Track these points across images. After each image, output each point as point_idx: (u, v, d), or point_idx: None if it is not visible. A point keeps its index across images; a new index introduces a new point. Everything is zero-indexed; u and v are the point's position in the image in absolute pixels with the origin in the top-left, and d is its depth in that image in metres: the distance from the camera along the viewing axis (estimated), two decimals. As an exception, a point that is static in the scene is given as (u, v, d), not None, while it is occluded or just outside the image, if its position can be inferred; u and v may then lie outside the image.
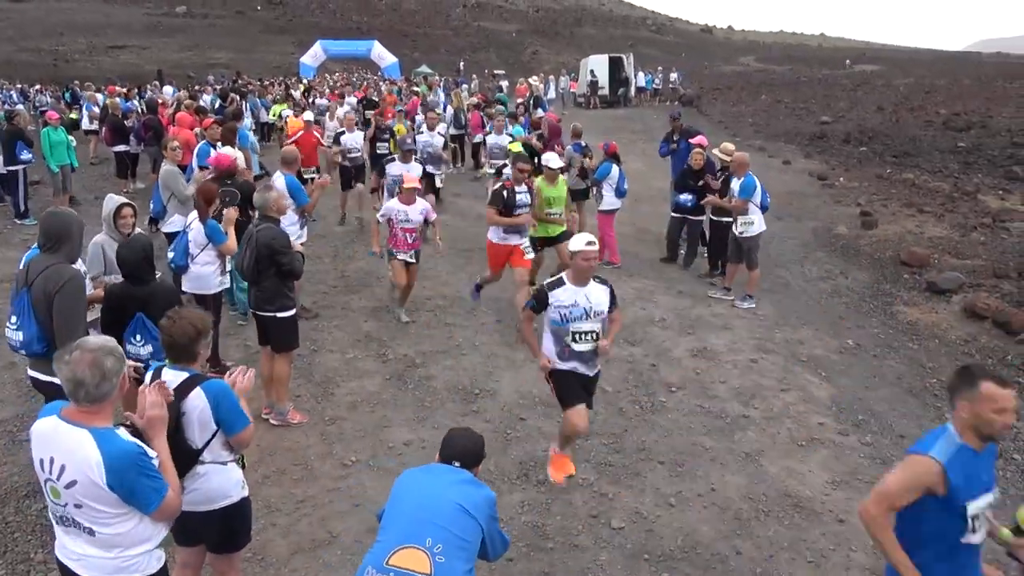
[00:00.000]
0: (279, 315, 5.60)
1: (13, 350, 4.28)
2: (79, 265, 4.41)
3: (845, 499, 5.09)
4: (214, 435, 3.22)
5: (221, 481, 3.28)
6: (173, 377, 3.20)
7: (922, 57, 70.44)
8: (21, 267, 4.24)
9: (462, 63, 54.08)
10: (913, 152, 19.69)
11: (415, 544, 2.77)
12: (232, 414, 3.22)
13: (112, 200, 5.39)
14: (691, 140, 10.49)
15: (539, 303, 4.73)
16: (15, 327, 4.14)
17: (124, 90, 23.85)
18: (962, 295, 8.93)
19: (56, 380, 2.78)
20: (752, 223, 8.53)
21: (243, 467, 3.52)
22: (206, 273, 6.28)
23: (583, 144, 10.83)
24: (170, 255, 6.33)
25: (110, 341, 2.70)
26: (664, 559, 4.48)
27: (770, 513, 4.92)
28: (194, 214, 6.40)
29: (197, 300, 6.20)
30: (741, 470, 5.39)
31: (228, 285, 6.63)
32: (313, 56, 43.03)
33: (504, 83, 33.42)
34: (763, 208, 8.66)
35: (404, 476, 3.13)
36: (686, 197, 9.76)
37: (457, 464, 3.08)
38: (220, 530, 3.38)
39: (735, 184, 8.60)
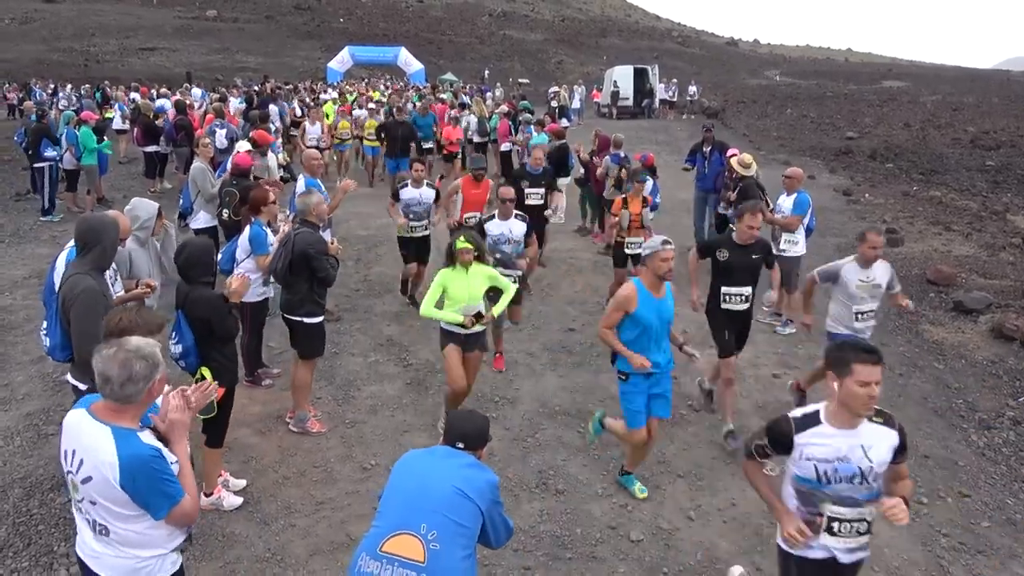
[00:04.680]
0: (307, 320, 5.61)
1: (47, 354, 4.36)
2: (110, 271, 4.40)
3: (868, 519, 5.01)
4: None
5: None
6: None
7: (950, 74, 69.78)
8: (60, 269, 4.30)
9: (487, 71, 54.31)
10: (940, 170, 19.48)
11: (409, 530, 2.74)
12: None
13: (146, 205, 5.33)
14: (728, 154, 10.40)
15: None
16: (45, 332, 4.24)
17: (167, 90, 24.25)
18: (990, 315, 8.80)
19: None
20: (797, 243, 8.22)
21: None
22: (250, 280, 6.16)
23: (622, 155, 10.84)
24: (217, 257, 6.09)
25: (149, 346, 2.65)
26: (683, 573, 4.45)
27: (791, 530, 4.86)
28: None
29: (238, 306, 6.17)
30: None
31: (270, 294, 6.37)
32: (340, 61, 43.57)
33: (554, 89, 30.69)
34: (808, 230, 8.35)
35: (404, 458, 3.08)
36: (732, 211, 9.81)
37: (461, 446, 3.02)
38: None
39: (785, 199, 8.32)
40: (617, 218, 8.26)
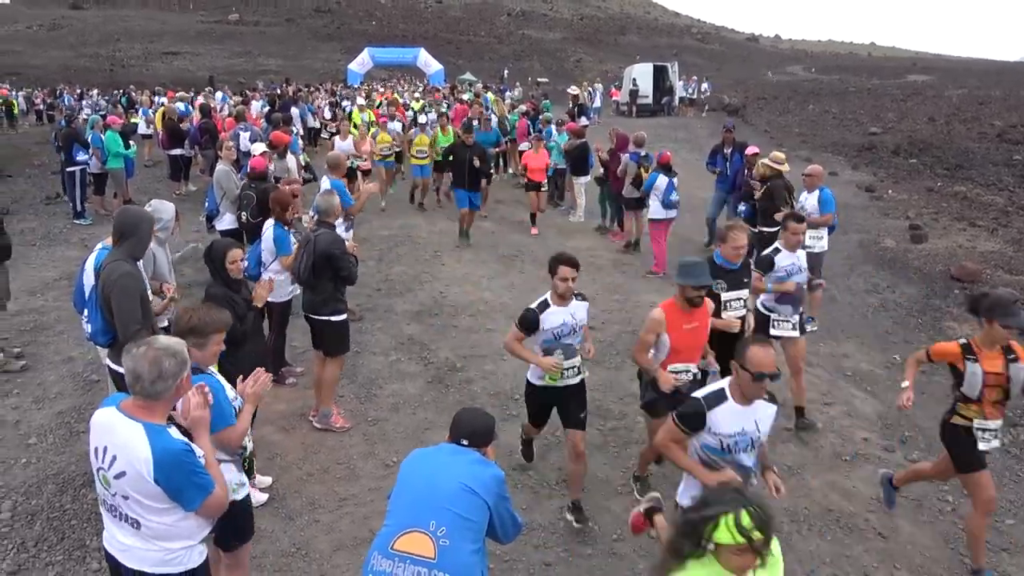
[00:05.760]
0: (333, 319, 5.72)
1: (89, 339, 4.58)
2: (143, 263, 4.58)
3: (889, 516, 5.01)
4: None
5: None
6: None
7: (975, 67, 68.62)
8: (89, 271, 4.48)
9: (506, 71, 54.39)
10: (966, 165, 19.22)
11: (419, 528, 2.79)
12: (212, 412, 3.19)
13: (167, 206, 5.41)
14: (747, 152, 10.39)
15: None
16: (86, 319, 4.44)
17: (189, 95, 24.52)
18: (1016, 312, 8.69)
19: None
20: (822, 238, 8.17)
21: (248, 470, 3.57)
22: (277, 281, 6.14)
23: (641, 153, 10.86)
24: (243, 264, 5.91)
25: (178, 344, 2.76)
26: (703, 570, 4.46)
27: (812, 527, 4.86)
28: (268, 223, 6.38)
29: (267, 308, 6.27)
30: (782, 482, 5.33)
31: (297, 292, 6.40)
32: (360, 63, 43.89)
33: (573, 90, 28.82)
34: (830, 228, 8.31)
35: (411, 457, 3.13)
36: (744, 207, 9.89)
37: (466, 443, 3.07)
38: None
39: (807, 197, 8.25)
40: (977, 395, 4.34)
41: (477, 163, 11.00)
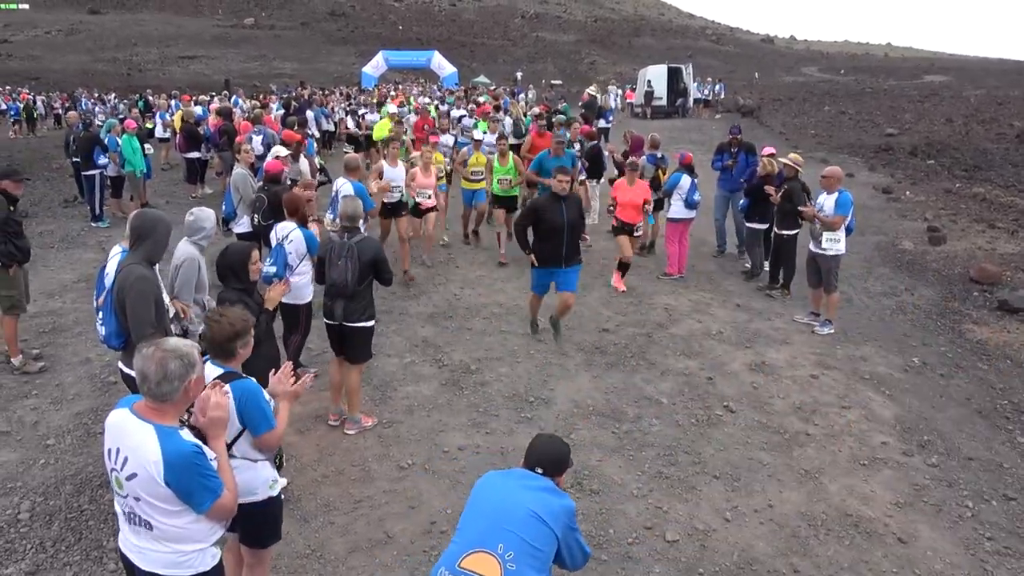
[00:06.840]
0: (368, 325, 5.73)
1: (102, 342, 4.60)
2: (159, 266, 4.60)
3: (909, 521, 4.95)
4: (240, 433, 3.25)
5: (248, 478, 3.30)
6: (211, 372, 3.26)
7: (994, 67, 67.94)
8: (114, 265, 4.50)
9: (519, 73, 54.46)
10: (984, 166, 19.02)
11: (487, 549, 2.81)
12: (255, 416, 3.24)
13: (208, 214, 5.32)
14: (763, 152, 10.35)
15: None
16: (101, 322, 4.45)
17: (207, 98, 24.70)
18: (1036, 315, 8.59)
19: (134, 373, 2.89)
20: (839, 241, 8.10)
21: (279, 466, 3.59)
22: (302, 283, 6.26)
23: (658, 155, 10.83)
24: (271, 269, 6.01)
25: (186, 346, 2.74)
26: (719, 574, 4.43)
27: (830, 532, 4.81)
28: (288, 225, 6.36)
29: (287, 310, 6.30)
30: (799, 487, 5.29)
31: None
32: (375, 66, 44.11)
33: (591, 91, 26.93)
34: (848, 230, 8.21)
35: (485, 478, 3.17)
36: (744, 201, 10.01)
37: (539, 471, 3.08)
38: (244, 525, 3.40)
39: (826, 198, 8.18)
40: None
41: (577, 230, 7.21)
